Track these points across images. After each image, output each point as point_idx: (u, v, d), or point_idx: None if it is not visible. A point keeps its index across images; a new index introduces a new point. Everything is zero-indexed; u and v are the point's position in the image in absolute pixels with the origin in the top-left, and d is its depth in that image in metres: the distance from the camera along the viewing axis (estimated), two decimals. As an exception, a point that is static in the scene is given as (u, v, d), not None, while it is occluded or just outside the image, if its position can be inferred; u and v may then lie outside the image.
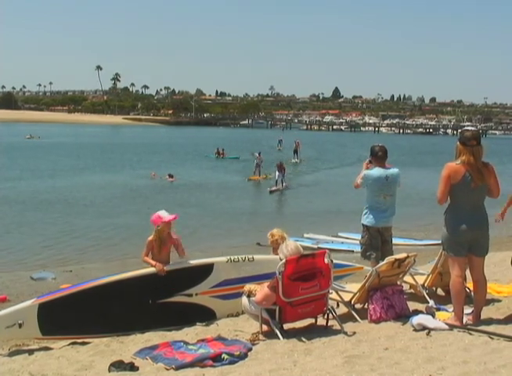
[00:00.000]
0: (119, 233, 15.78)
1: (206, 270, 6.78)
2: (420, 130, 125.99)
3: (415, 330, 5.53)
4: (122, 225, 16.89)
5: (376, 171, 7.03)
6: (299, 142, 40.31)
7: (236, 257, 6.96)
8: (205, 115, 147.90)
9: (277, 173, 25.94)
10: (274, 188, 25.25)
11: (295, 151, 39.65)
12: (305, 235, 14.63)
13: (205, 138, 71.17)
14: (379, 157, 7.07)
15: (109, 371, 5.17)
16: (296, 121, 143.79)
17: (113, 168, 33.40)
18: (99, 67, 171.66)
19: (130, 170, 32.24)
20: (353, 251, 12.13)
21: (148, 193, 23.83)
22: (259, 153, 30.25)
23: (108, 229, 16.26)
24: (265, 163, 30.10)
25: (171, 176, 27.92)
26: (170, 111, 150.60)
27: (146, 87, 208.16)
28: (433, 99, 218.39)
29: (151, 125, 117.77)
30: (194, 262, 6.89)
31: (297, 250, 5.68)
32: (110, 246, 14.35)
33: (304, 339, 5.53)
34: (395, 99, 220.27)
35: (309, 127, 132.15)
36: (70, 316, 6.35)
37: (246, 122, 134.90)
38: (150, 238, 6.77)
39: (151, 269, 6.72)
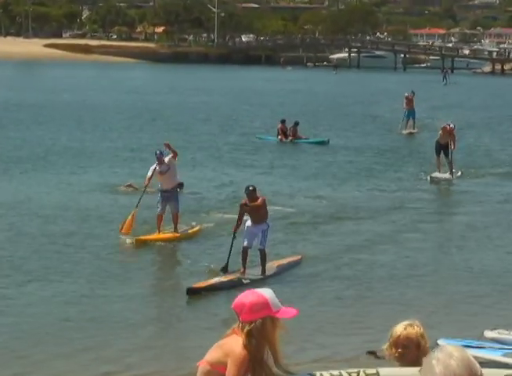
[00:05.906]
0: (43, 324, 16.24)
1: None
2: None
3: None
4: (52, 300, 17.35)
5: None
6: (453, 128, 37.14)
7: (337, 373, 7.14)
8: (243, 38, 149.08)
9: (247, 225, 20.53)
10: (218, 279, 19.56)
11: (442, 147, 36.22)
12: (487, 334, 14.77)
13: (249, 94, 72.02)
14: None
15: None
16: (466, 52, 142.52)
17: (41, 163, 34.53)
18: None
19: (82, 169, 33.32)
20: None
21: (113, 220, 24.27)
22: (160, 153, 24.62)
23: (26, 309, 16.74)
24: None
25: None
26: (159, 29, 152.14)
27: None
28: None
29: (115, 62, 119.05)
30: None
31: (468, 371, 5.66)
32: (29, 352, 14.67)
33: None
34: None
35: (497, 68, 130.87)
36: None
37: (343, 55, 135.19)
38: (244, 353, 6.99)
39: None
